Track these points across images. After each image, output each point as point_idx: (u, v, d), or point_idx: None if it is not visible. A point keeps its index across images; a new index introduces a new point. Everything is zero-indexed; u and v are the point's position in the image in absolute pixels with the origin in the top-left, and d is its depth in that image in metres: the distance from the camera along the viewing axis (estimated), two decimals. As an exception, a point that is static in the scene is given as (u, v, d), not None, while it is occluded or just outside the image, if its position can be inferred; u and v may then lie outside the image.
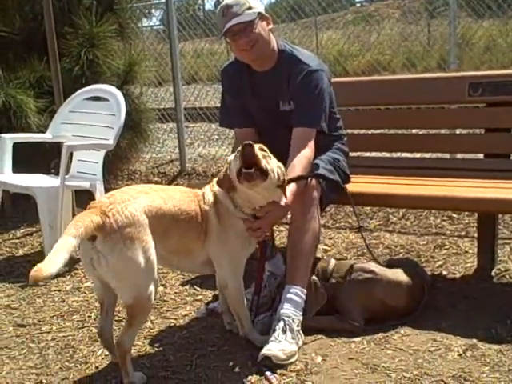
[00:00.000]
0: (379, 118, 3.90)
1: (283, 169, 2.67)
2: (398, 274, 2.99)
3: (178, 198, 2.62)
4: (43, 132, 4.62)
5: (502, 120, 3.44)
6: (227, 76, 3.19)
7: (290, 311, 2.77)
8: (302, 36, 10.75)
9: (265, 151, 2.60)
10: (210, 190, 2.71)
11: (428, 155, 3.94)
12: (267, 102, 3.08)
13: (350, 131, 3.78)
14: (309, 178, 2.87)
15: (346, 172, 3.19)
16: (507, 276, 3.38)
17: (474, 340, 2.72)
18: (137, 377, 2.53)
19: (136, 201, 2.46)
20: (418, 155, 4.20)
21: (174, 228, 2.57)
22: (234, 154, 2.65)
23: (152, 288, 2.46)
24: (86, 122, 4.37)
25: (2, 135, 4.34)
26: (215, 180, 2.72)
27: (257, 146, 2.55)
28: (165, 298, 3.42)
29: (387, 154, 3.99)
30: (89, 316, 3.25)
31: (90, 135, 4.26)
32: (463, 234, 4.09)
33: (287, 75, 3.00)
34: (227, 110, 3.23)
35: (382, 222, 4.43)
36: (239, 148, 2.57)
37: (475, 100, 3.49)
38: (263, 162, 2.53)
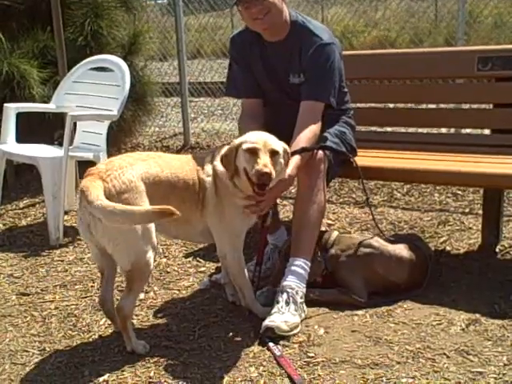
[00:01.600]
0: (385, 92, 3.86)
1: (288, 150, 2.66)
2: (400, 250, 2.97)
3: (176, 165, 2.62)
4: (47, 103, 4.59)
5: (511, 95, 3.40)
6: (236, 45, 3.13)
7: (294, 283, 2.77)
8: (308, 12, 10.64)
9: (276, 153, 2.57)
10: (210, 162, 2.69)
11: (435, 130, 3.89)
12: (277, 73, 3.04)
13: (357, 105, 3.75)
14: (315, 151, 2.84)
15: (353, 145, 3.16)
16: (511, 252, 3.37)
17: (477, 315, 2.72)
18: (139, 345, 2.54)
19: (133, 167, 2.47)
20: (425, 130, 4.16)
21: (172, 195, 2.56)
22: (243, 139, 2.61)
23: (150, 254, 2.47)
24: (90, 93, 4.33)
25: (6, 104, 4.31)
26: (217, 155, 2.68)
27: (268, 160, 2.52)
28: (168, 270, 3.42)
29: (394, 129, 3.95)
30: (92, 286, 3.25)
31: (94, 106, 4.23)
32: (467, 210, 4.07)
33: (299, 47, 2.96)
34: (234, 79, 3.18)
35: (386, 198, 4.41)
36: (253, 142, 2.56)
37: (484, 75, 3.44)
38: (274, 175, 2.54)
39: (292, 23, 2.99)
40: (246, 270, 2.77)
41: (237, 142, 2.63)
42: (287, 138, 2.76)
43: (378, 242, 2.99)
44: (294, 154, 2.73)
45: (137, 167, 2.49)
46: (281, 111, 3.02)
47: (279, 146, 2.61)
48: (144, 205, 2.43)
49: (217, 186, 2.65)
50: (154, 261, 3.44)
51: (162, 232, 2.76)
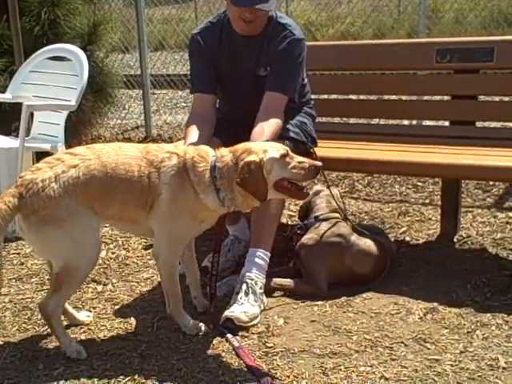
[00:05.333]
0: (347, 84, 3.87)
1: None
2: (368, 243, 2.99)
3: (122, 166, 2.41)
4: (3, 93, 4.47)
5: (469, 87, 3.44)
6: (196, 43, 3.04)
7: (254, 274, 2.76)
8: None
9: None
10: (175, 165, 2.43)
11: (395, 122, 3.92)
12: (245, 65, 3.00)
13: (318, 96, 3.75)
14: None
15: (313, 136, 3.15)
16: (469, 242, 3.42)
17: (435, 303, 2.75)
18: (71, 347, 2.44)
19: (58, 178, 2.34)
20: (385, 122, 4.19)
21: (111, 199, 2.43)
22: (262, 152, 2.36)
23: (83, 261, 2.39)
24: (48, 83, 4.22)
25: (-41, 95, 4.20)
26: (186, 157, 2.44)
27: None
28: (127, 262, 3.38)
29: (354, 120, 3.97)
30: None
31: (51, 96, 4.12)
32: (427, 201, 4.11)
33: (270, 40, 2.93)
34: (196, 76, 3.10)
35: (347, 190, 4.43)
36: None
37: (443, 67, 3.49)
38: None
39: (268, 19, 2.95)
40: (177, 278, 2.57)
41: (252, 158, 2.33)
42: (252, 129, 2.74)
43: (349, 232, 2.99)
44: None
45: (63, 178, 2.34)
46: (244, 106, 2.97)
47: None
48: (68, 217, 2.33)
49: (178, 191, 2.41)
50: (113, 253, 3.48)
51: (114, 227, 2.67)
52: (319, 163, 2.42)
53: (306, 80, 3.17)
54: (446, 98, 3.77)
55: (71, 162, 2.40)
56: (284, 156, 2.39)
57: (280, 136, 2.83)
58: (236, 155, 2.40)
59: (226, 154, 2.43)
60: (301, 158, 2.42)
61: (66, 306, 2.65)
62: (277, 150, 2.39)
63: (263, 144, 2.46)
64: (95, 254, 2.44)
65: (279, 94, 2.88)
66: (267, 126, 2.74)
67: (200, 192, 2.41)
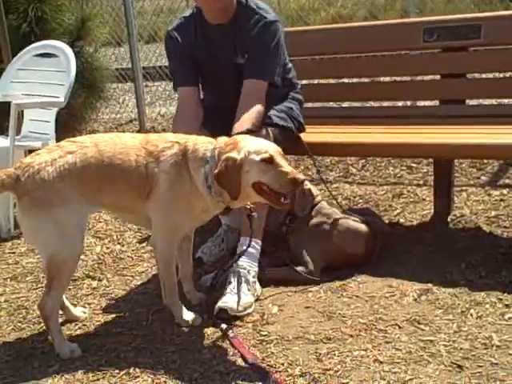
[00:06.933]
0: (335, 67, 3.83)
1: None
2: (356, 222, 2.99)
3: (119, 155, 2.42)
4: (-8, 92, 4.45)
5: (458, 65, 3.42)
6: (173, 40, 3.02)
7: (246, 263, 2.75)
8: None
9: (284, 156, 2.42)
10: (175, 154, 2.43)
11: (385, 104, 3.89)
12: (222, 55, 2.98)
13: (307, 81, 3.73)
14: (261, 130, 2.79)
15: (300, 120, 3.13)
16: (462, 221, 3.41)
17: (429, 284, 2.74)
18: (65, 348, 2.43)
19: (54, 163, 2.36)
20: (375, 104, 4.17)
21: (108, 188, 2.45)
22: (246, 150, 2.31)
23: (67, 254, 2.38)
24: (36, 80, 4.21)
25: None
26: (187, 146, 2.43)
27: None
28: (121, 256, 3.38)
29: (343, 104, 3.95)
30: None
31: (40, 93, 4.11)
32: (421, 182, 4.09)
33: (243, 26, 2.91)
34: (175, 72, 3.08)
35: (341, 174, 4.41)
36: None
37: (430, 46, 3.45)
38: None
39: (237, 3, 2.93)
40: (174, 269, 2.58)
41: (232, 155, 2.31)
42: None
43: (332, 211, 2.99)
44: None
45: (59, 163, 2.37)
46: (227, 95, 2.95)
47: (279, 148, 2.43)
48: (60, 203, 2.35)
49: (176, 182, 2.42)
50: (107, 248, 3.48)
51: (112, 215, 2.68)
52: (301, 177, 2.31)
53: (289, 64, 3.15)
54: (437, 77, 3.74)
55: (69, 148, 2.43)
56: (266, 160, 2.30)
57: (265, 123, 2.81)
58: (224, 147, 2.38)
59: (221, 144, 2.42)
60: (286, 167, 2.31)
61: (64, 300, 2.66)
62: (262, 152, 2.31)
63: (253, 142, 2.39)
64: (79, 245, 2.45)
65: (258, 80, 2.86)
66: (247, 116, 2.72)
67: (194, 177, 2.42)
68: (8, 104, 4.33)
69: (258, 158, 2.31)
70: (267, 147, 2.36)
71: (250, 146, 2.35)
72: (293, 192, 2.47)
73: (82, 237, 2.48)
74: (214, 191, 2.40)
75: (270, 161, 2.31)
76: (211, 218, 2.65)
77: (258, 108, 2.79)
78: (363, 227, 2.99)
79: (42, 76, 4.20)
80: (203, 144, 2.46)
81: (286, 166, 2.32)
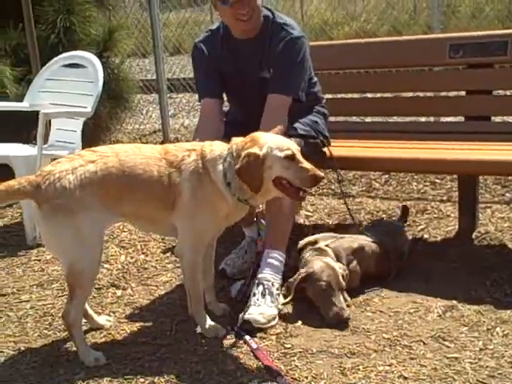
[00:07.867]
0: (360, 82, 3.86)
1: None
2: (367, 242, 2.98)
3: (140, 165, 2.45)
4: (21, 101, 4.53)
5: (483, 82, 3.42)
6: (200, 52, 3.07)
7: (270, 275, 2.76)
8: (290, 6, 10.62)
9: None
10: (194, 160, 2.47)
11: (410, 119, 3.90)
12: (248, 69, 3.01)
13: (331, 96, 3.74)
14: None
15: (326, 134, 3.15)
16: (487, 238, 3.39)
17: (454, 301, 2.73)
18: (90, 356, 2.45)
19: (75, 171, 2.38)
20: (400, 119, 4.18)
21: (129, 197, 2.46)
22: (268, 146, 2.38)
23: (86, 262, 2.40)
24: (64, 90, 4.27)
25: (-21, 104, 4.26)
26: (203, 150, 2.49)
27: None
28: (146, 266, 3.40)
29: (370, 119, 3.96)
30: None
31: (67, 103, 4.17)
32: (445, 198, 4.08)
33: (270, 41, 2.94)
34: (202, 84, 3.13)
35: (364, 188, 4.41)
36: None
37: (456, 62, 3.46)
38: None
39: (264, 18, 2.97)
40: (199, 277, 2.59)
41: (254, 151, 2.38)
42: None
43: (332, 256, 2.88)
44: None
45: (79, 171, 2.39)
46: (252, 108, 2.97)
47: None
48: (80, 211, 2.37)
49: (197, 187, 2.45)
50: (132, 258, 3.51)
51: (138, 228, 2.71)
52: (321, 174, 2.40)
53: (315, 78, 3.17)
54: (462, 93, 3.74)
55: (90, 157, 2.46)
56: (288, 157, 2.38)
57: (290, 134, 2.82)
58: (243, 144, 2.45)
59: (238, 141, 2.48)
60: (306, 164, 2.40)
61: (88, 308, 2.69)
62: (285, 149, 2.39)
63: (274, 139, 2.46)
64: (98, 253, 2.47)
65: (281, 95, 2.88)
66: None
67: (213, 176, 2.46)
68: (36, 113, 4.42)
69: (281, 154, 2.38)
70: (288, 144, 2.45)
71: (272, 142, 2.42)
72: (312, 187, 2.56)
73: (102, 246, 2.51)
74: (233, 187, 2.44)
75: (292, 157, 2.39)
76: (234, 224, 2.69)
77: (281, 122, 2.81)
78: (374, 246, 2.98)
79: (69, 86, 4.27)
80: (219, 145, 2.53)
81: (305, 162, 2.41)
